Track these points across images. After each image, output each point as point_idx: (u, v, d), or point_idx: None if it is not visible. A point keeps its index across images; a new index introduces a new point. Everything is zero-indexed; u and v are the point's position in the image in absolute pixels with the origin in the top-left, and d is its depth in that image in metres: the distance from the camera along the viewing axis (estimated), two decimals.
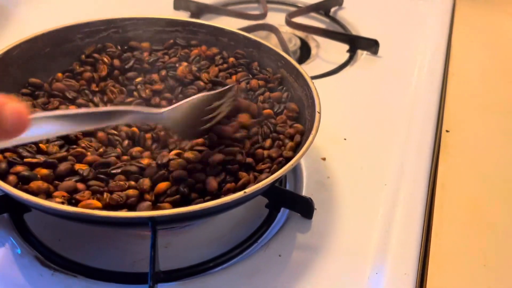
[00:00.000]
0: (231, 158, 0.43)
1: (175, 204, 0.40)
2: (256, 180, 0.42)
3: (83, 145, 0.44)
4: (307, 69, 0.51)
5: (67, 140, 0.44)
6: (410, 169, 0.54)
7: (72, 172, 0.41)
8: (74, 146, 0.44)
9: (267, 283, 0.41)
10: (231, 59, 0.56)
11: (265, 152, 0.45)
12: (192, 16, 0.79)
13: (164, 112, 0.41)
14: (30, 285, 0.40)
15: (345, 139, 0.57)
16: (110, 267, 0.42)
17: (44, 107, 0.48)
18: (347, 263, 0.44)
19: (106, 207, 0.39)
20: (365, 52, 0.74)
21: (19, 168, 0.40)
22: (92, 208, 0.37)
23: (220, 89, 0.44)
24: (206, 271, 0.42)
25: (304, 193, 0.50)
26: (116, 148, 0.45)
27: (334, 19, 0.84)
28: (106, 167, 0.41)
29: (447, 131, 0.61)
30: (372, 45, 0.73)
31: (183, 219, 0.41)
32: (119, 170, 0.41)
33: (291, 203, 0.47)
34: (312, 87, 0.48)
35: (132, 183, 0.41)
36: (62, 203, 0.38)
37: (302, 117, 0.49)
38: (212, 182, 0.41)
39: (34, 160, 0.40)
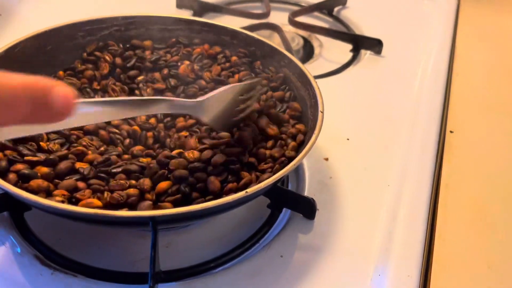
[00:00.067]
0: (232, 159, 0.43)
1: (176, 204, 0.39)
2: (258, 180, 0.42)
3: (84, 143, 0.44)
4: (310, 69, 0.51)
5: (67, 139, 0.44)
6: (413, 169, 0.53)
7: (72, 171, 0.41)
8: (75, 145, 0.43)
9: (269, 284, 0.41)
10: (234, 58, 0.55)
11: (267, 152, 0.45)
12: (194, 14, 0.78)
13: (198, 101, 0.42)
14: (30, 284, 0.40)
15: (348, 139, 0.57)
16: (110, 266, 0.42)
17: None
18: (350, 265, 0.43)
19: (107, 206, 0.38)
20: (368, 52, 0.73)
21: (19, 166, 0.40)
22: (92, 207, 0.37)
23: (250, 81, 0.45)
24: (207, 271, 0.42)
25: (306, 193, 0.49)
26: (117, 147, 0.45)
27: (337, 19, 0.84)
28: (107, 166, 0.41)
29: (451, 131, 0.60)
30: (375, 45, 0.73)
31: (184, 218, 0.40)
32: (120, 169, 0.41)
33: (293, 204, 0.46)
34: (315, 87, 0.48)
35: (133, 182, 0.40)
36: (62, 202, 0.37)
37: (305, 117, 0.49)
38: (215, 182, 0.41)
39: (34, 158, 0.40)
